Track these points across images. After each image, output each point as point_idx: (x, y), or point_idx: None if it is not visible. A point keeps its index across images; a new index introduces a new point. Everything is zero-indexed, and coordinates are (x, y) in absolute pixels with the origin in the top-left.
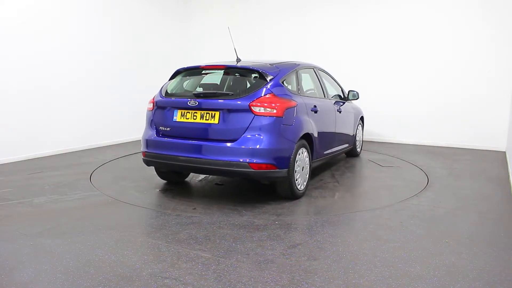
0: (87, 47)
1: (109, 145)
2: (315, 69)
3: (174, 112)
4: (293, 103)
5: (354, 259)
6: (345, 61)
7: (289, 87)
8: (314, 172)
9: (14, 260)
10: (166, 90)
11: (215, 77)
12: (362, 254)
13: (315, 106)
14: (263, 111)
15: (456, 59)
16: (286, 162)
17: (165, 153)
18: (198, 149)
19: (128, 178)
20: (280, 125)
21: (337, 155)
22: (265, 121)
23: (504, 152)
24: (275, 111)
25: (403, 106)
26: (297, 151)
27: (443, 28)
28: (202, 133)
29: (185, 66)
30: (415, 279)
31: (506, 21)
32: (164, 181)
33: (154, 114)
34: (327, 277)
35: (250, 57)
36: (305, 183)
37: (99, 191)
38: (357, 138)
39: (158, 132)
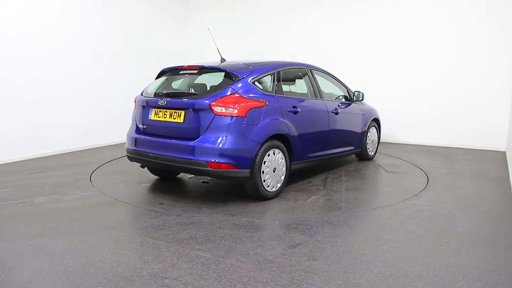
0: (87, 47)
1: (109, 145)
2: (308, 69)
3: (150, 111)
4: (260, 103)
5: (354, 259)
6: (345, 61)
7: (262, 87)
8: (306, 174)
9: (14, 260)
10: (147, 90)
11: (191, 77)
12: (362, 254)
13: (294, 107)
14: (224, 111)
15: (457, 60)
16: (248, 162)
17: (139, 149)
18: (164, 147)
19: (125, 177)
20: (242, 125)
21: (338, 158)
22: (225, 121)
23: (504, 152)
24: (236, 111)
25: (403, 106)
26: (265, 151)
27: (444, 28)
28: (170, 131)
29: (169, 66)
30: (415, 279)
31: (507, 22)
32: (156, 177)
33: (135, 112)
34: (327, 277)
35: (248, 58)
36: (278, 185)
37: (99, 191)
38: (367, 141)
39: (137, 130)
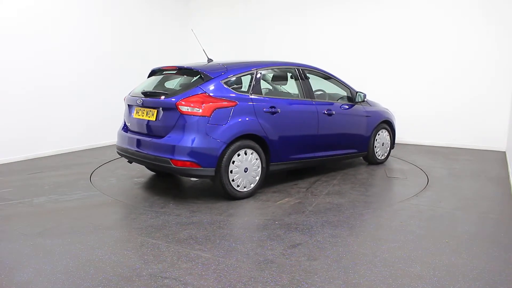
0: (87, 47)
1: (109, 145)
2: (298, 69)
3: (132, 109)
4: (229, 103)
5: (354, 259)
6: (345, 61)
7: (236, 87)
8: (297, 176)
9: (14, 260)
10: (134, 89)
11: (173, 78)
12: (362, 254)
13: (272, 107)
14: (189, 110)
15: (457, 60)
16: (212, 161)
17: (123, 145)
18: (139, 144)
19: (125, 176)
20: (206, 124)
21: (337, 160)
22: (189, 120)
23: (504, 152)
24: (200, 110)
25: (403, 106)
26: (234, 151)
27: (445, 28)
28: (145, 129)
29: (156, 67)
30: (415, 279)
31: (507, 22)
32: (153, 174)
33: (124, 111)
34: (327, 277)
35: (247, 58)
36: (252, 185)
37: (99, 191)
38: (375, 144)
39: (124, 127)
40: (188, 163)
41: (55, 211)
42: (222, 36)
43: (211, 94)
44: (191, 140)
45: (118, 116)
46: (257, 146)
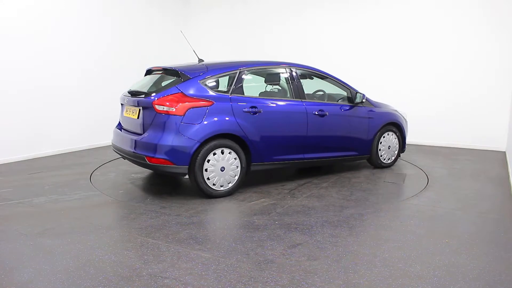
0: (87, 47)
1: (109, 145)
2: (289, 69)
3: (123, 108)
4: (204, 103)
5: (354, 259)
6: (345, 61)
7: (215, 87)
8: (290, 177)
9: (14, 260)
10: (128, 89)
11: (166, 78)
12: (362, 254)
13: (253, 107)
14: (165, 109)
15: (457, 60)
16: (185, 159)
17: (115, 143)
18: (124, 141)
19: (125, 176)
20: (179, 123)
21: (337, 162)
22: (163, 119)
23: (504, 152)
24: (174, 109)
25: (403, 106)
26: (210, 150)
27: (445, 29)
28: (131, 127)
29: (150, 67)
30: (415, 279)
31: (507, 22)
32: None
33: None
34: (327, 277)
35: (247, 58)
36: (230, 184)
37: (99, 191)
38: (380, 147)
39: (118, 125)
40: (162, 160)
41: (55, 211)
42: (222, 36)
43: (186, 93)
44: (165, 138)
45: (118, 116)
46: (235, 145)
